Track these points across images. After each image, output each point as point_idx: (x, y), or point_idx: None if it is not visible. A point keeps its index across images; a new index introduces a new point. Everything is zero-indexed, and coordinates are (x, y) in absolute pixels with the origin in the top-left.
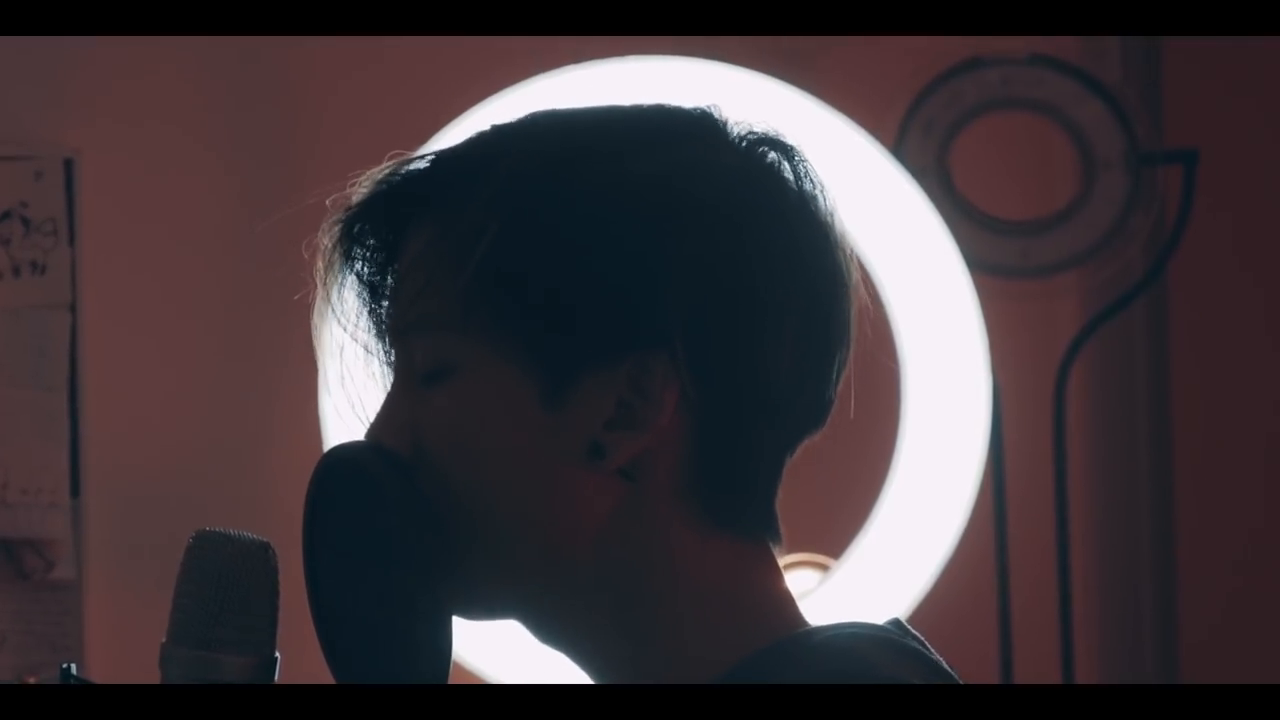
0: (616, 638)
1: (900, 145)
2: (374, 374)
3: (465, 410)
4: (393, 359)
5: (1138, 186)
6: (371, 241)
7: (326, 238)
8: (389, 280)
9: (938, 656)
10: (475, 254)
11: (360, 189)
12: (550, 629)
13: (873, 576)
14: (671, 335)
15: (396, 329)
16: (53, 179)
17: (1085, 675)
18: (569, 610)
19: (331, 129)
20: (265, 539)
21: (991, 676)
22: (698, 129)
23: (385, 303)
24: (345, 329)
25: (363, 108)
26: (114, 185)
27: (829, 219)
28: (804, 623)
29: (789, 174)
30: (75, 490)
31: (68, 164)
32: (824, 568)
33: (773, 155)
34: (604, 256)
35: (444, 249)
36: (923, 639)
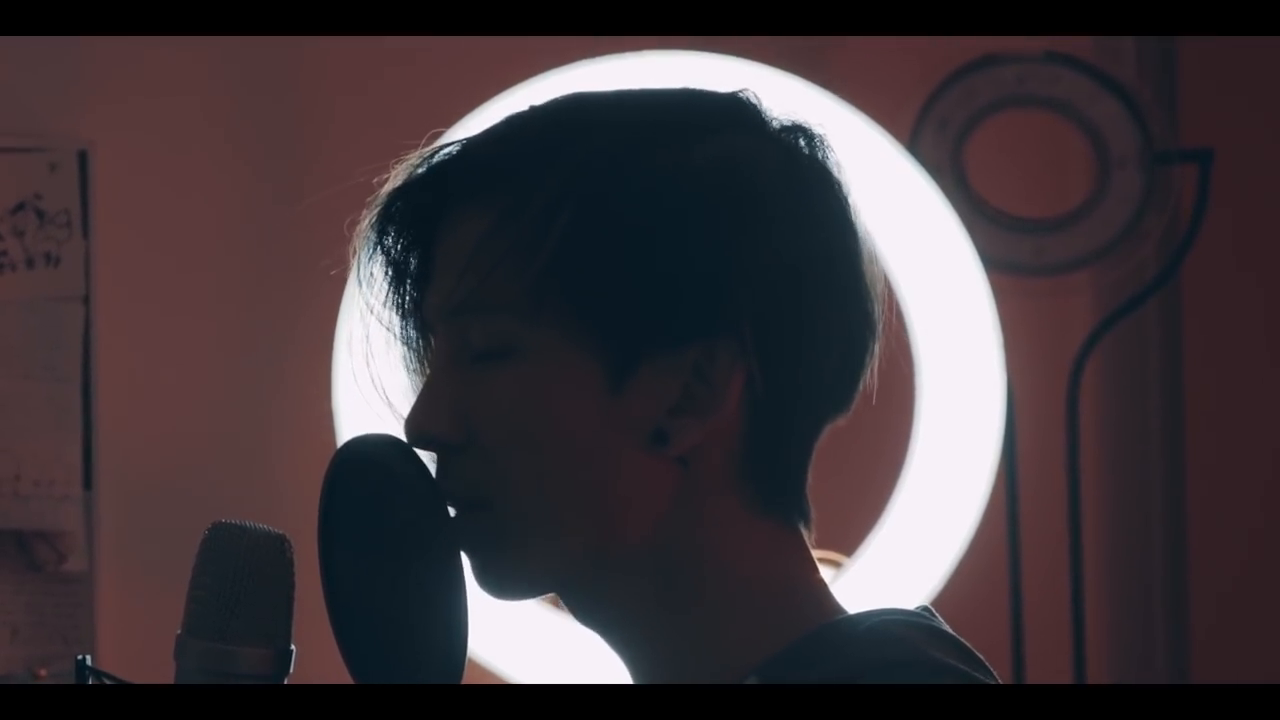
0: (660, 619)
1: (915, 142)
2: (397, 359)
3: (528, 393)
4: (423, 344)
5: (1152, 185)
6: (410, 229)
7: (365, 221)
8: (413, 263)
9: (966, 642)
10: (548, 242)
11: (400, 173)
12: (590, 609)
13: (886, 574)
14: (740, 322)
15: (448, 311)
16: (66, 171)
17: (1096, 673)
18: (611, 591)
19: (344, 119)
20: (281, 531)
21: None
22: (740, 115)
23: (414, 287)
24: (373, 312)
25: (375, 98)
26: (127, 177)
27: (856, 204)
28: (841, 610)
29: (821, 160)
30: (88, 482)
31: (81, 156)
32: (837, 565)
33: (804, 141)
34: (678, 243)
35: (510, 235)
36: (947, 625)
